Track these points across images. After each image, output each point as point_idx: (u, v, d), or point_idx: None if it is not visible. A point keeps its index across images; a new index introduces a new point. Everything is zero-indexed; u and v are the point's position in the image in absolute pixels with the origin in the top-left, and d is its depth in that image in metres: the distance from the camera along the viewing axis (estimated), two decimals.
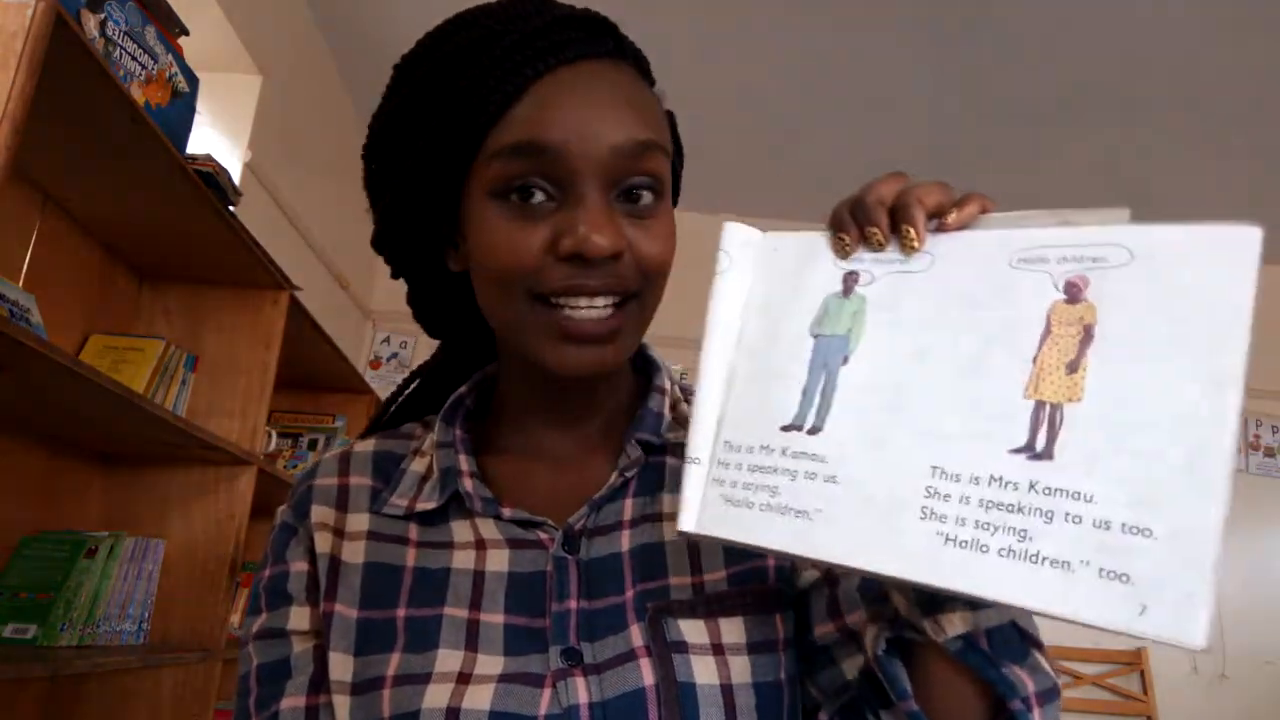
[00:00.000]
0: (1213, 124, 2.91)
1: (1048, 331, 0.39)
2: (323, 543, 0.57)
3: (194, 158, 1.62)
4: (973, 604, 0.41)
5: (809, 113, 3.09)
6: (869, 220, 0.44)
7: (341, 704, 0.53)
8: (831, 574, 0.55)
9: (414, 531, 0.58)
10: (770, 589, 0.55)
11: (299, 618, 0.57)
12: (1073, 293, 0.39)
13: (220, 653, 1.77)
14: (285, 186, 2.64)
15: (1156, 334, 0.37)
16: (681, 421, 0.61)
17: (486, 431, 0.63)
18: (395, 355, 3.72)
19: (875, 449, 0.41)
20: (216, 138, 2.37)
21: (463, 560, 0.56)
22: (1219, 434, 0.35)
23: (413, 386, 0.69)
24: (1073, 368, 0.38)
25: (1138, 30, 2.54)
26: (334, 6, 2.74)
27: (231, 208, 1.72)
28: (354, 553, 0.57)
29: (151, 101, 1.49)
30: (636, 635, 0.52)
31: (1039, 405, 0.38)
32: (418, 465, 0.61)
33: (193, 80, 1.61)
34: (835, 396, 0.43)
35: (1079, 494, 0.36)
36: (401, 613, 0.54)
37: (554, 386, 0.58)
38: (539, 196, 0.51)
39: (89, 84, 1.22)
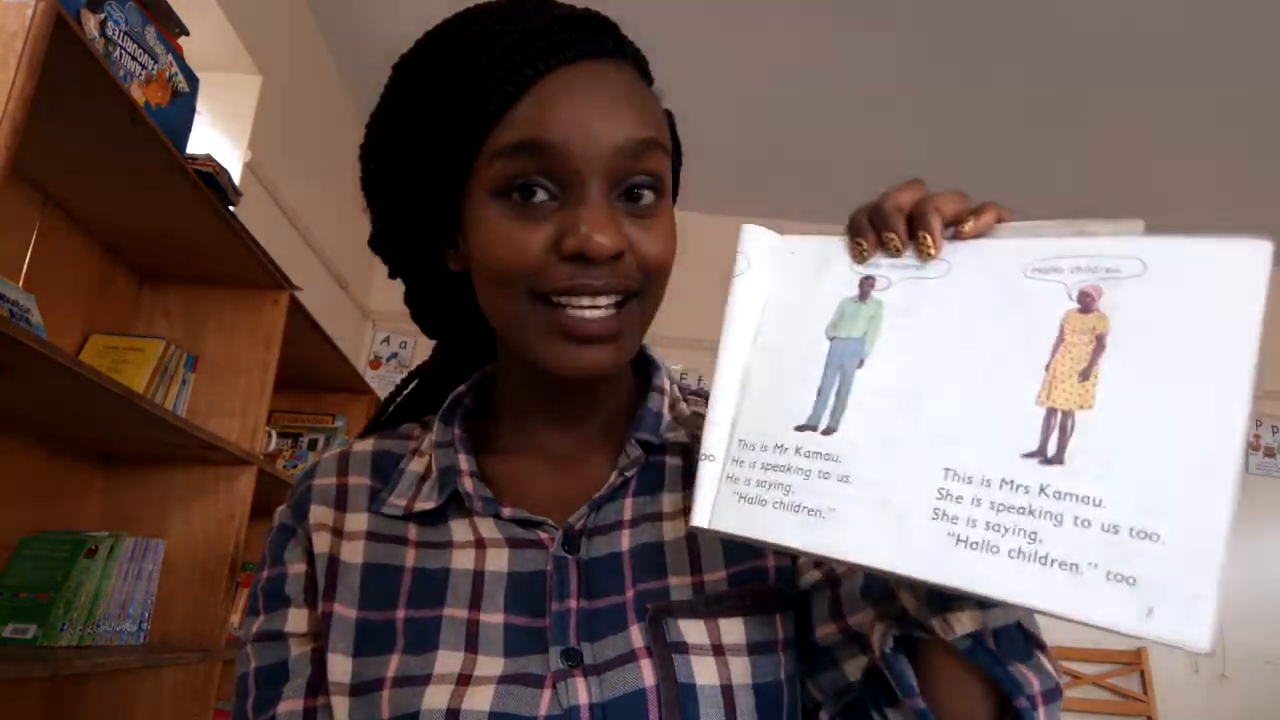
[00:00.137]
0: (1213, 124, 2.91)
1: (1061, 340, 0.40)
2: (321, 543, 0.57)
3: (194, 158, 1.61)
4: (981, 604, 0.42)
5: (809, 112, 3.09)
6: (887, 226, 0.45)
7: (340, 705, 0.52)
8: (834, 575, 0.55)
9: (413, 531, 0.57)
10: (770, 589, 0.55)
11: (297, 620, 0.57)
12: (1086, 302, 0.40)
13: (220, 653, 1.77)
14: (285, 186, 2.64)
15: (1167, 345, 0.37)
16: (681, 421, 0.61)
17: (485, 431, 0.63)
18: (395, 355, 3.72)
19: (889, 450, 0.42)
20: (216, 138, 2.37)
21: (462, 560, 0.56)
22: (1226, 443, 0.35)
23: (411, 387, 0.69)
24: (1085, 376, 0.39)
25: (1138, 30, 2.54)
26: (334, 6, 2.74)
27: (231, 208, 1.72)
28: (353, 552, 0.57)
29: (151, 101, 1.49)
30: (637, 635, 0.52)
31: (1051, 412, 0.39)
32: (416, 465, 0.60)
33: (193, 80, 1.61)
34: (850, 398, 0.44)
35: (1088, 498, 0.37)
36: (401, 614, 0.54)
37: (554, 386, 0.58)
38: (541, 196, 0.51)
39: (89, 84, 1.22)
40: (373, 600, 0.55)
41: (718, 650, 0.52)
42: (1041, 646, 0.47)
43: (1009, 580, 0.37)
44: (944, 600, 0.42)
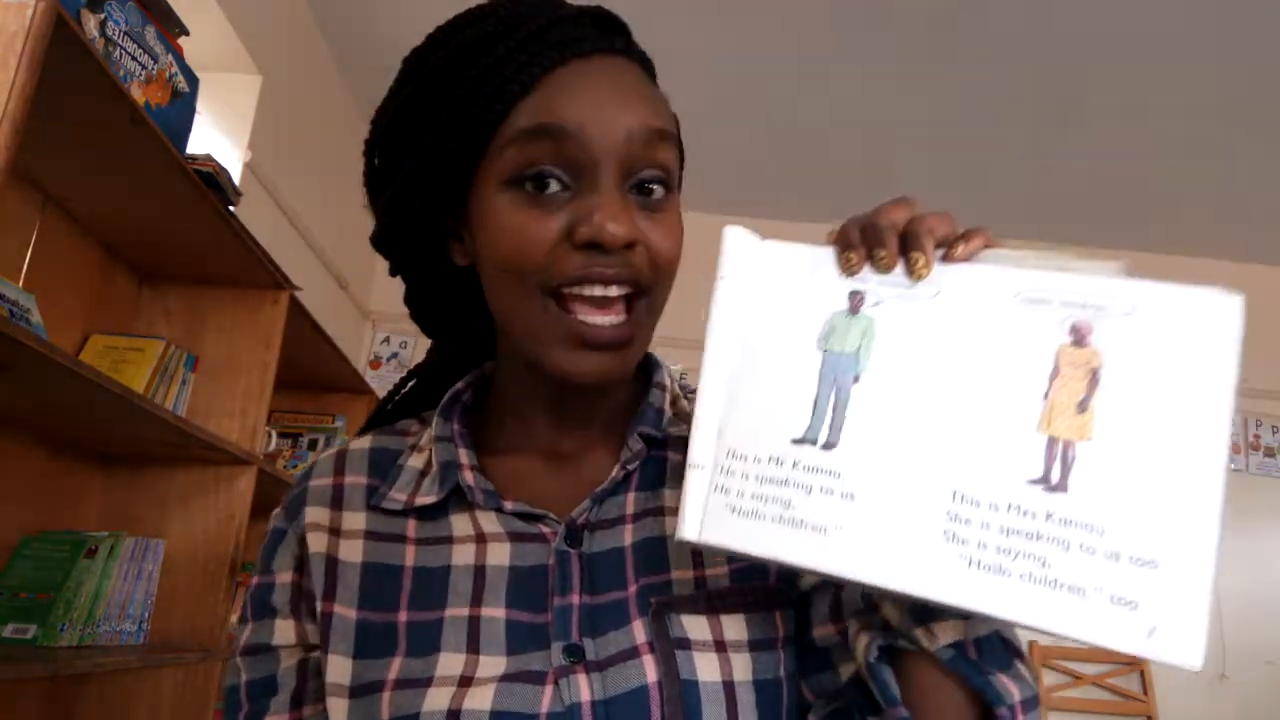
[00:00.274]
0: (1213, 124, 2.91)
1: (1057, 371, 0.42)
2: (316, 543, 0.57)
3: (194, 158, 1.61)
4: (963, 614, 0.43)
5: (809, 113, 3.09)
6: (880, 242, 0.45)
7: (340, 707, 0.52)
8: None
9: (412, 528, 0.57)
10: (771, 587, 0.55)
11: (284, 632, 0.57)
12: (1078, 337, 0.42)
13: (220, 653, 1.77)
14: (285, 186, 2.64)
15: (1156, 386, 0.40)
16: (682, 417, 0.61)
17: (484, 428, 0.63)
18: (395, 355, 3.72)
19: (893, 470, 0.43)
20: (216, 138, 2.37)
21: (463, 555, 0.55)
22: (1210, 480, 0.39)
23: (409, 386, 0.69)
24: (1082, 408, 0.41)
25: (1138, 30, 2.54)
26: (334, 6, 2.74)
27: (231, 208, 1.72)
28: (351, 551, 0.57)
29: (151, 101, 1.49)
30: (639, 631, 0.52)
31: (1052, 441, 0.41)
32: (416, 461, 0.60)
33: (193, 80, 1.61)
34: (848, 414, 0.44)
35: (1091, 526, 0.39)
36: (403, 617, 0.54)
37: (560, 388, 0.58)
38: (554, 186, 0.51)
39: (89, 84, 1.22)
40: (373, 601, 0.55)
41: (720, 646, 0.52)
42: (1021, 655, 0.47)
43: (1021, 602, 0.39)
44: (926, 611, 0.43)
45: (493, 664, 0.51)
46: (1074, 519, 0.39)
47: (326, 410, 2.62)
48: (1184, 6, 2.43)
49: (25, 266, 1.56)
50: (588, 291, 0.51)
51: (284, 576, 0.58)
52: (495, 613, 0.53)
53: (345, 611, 0.55)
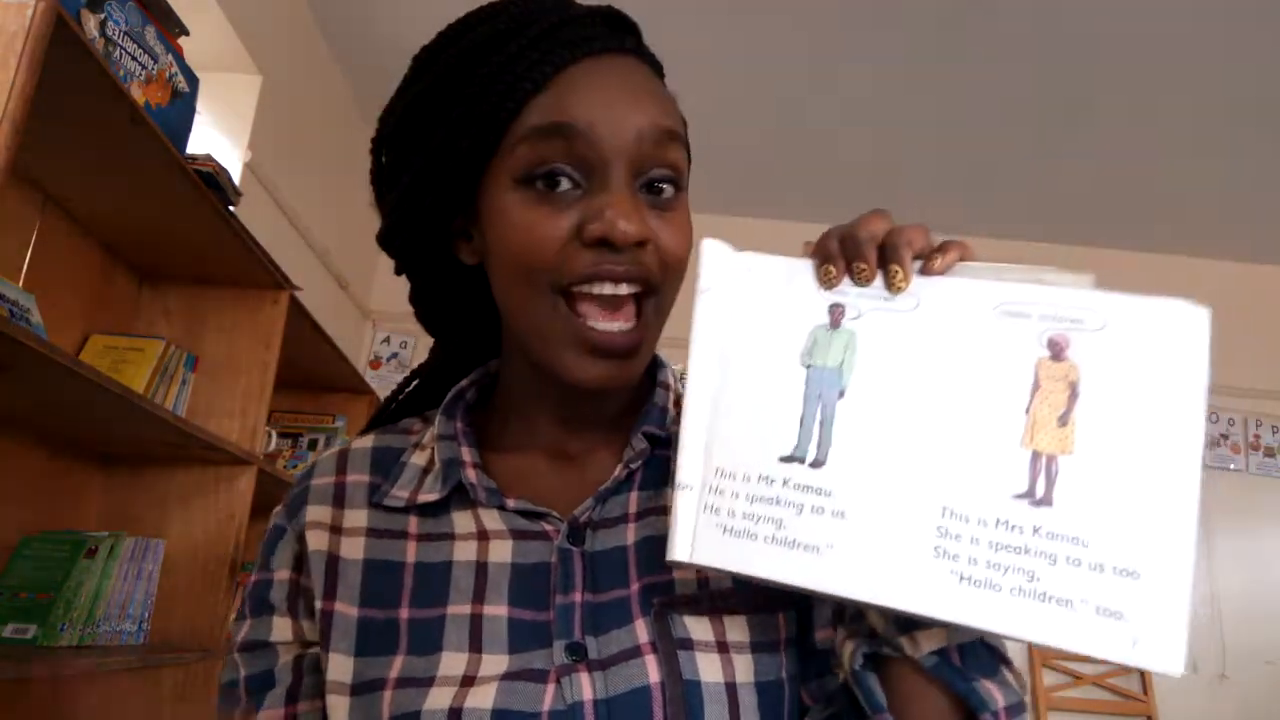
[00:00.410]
0: (1213, 124, 2.91)
1: (1037, 385, 0.43)
2: (317, 541, 0.57)
3: (194, 158, 1.61)
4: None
5: (817, 113, 3.09)
6: (859, 255, 0.45)
7: (340, 705, 0.52)
8: None
9: (414, 525, 0.57)
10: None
11: (280, 629, 0.57)
12: (1056, 350, 0.43)
13: (220, 653, 1.77)
14: (285, 186, 2.64)
15: (1130, 399, 0.41)
16: None
17: (487, 426, 0.63)
18: (395, 355, 3.72)
19: (882, 487, 0.43)
20: (216, 138, 2.37)
21: (464, 552, 0.55)
22: (1184, 488, 0.40)
23: (412, 386, 0.69)
24: (1063, 422, 0.42)
25: (1138, 30, 2.54)
26: (334, 6, 2.74)
27: (231, 208, 1.72)
28: (353, 549, 0.57)
29: (151, 101, 1.49)
30: (642, 631, 0.52)
31: (1036, 455, 0.42)
32: (418, 459, 0.60)
33: (193, 80, 1.61)
34: (834, 430, 0.45)
35: (1076, 539, 0.40)
36: (404, 614, 0.54)
37: (567, 391, 0.58)
38: (564, 184, 0.51)
39: (89, 84, 1.22)
40: (374, 599, 0.55)
41: (722, 647, 0.52)
42: (1006, 662, 0.47)
43: (1012, 616, 0.40)
44: (911, 619, 0.43)
45: (495, 662, 0.51)
46: (1059, 532, 0.40)
47: (326, 410, 2.62)
48: (1193, 6, 2.43)
49: (25, 266, 1.56)
50: (597, 290, 0.51)
51: (282, 574, 0.58)
52: (497, 611, 0.53)
53: (346, 609, 0.55)
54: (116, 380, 1.35)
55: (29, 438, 1.63)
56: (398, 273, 0.63)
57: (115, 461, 1.85)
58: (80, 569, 1.52)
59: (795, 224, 3.51)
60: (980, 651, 0.46)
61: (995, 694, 0.44)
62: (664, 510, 0.57)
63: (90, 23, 1.34)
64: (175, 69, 1.55)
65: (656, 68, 0.58)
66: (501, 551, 0.55)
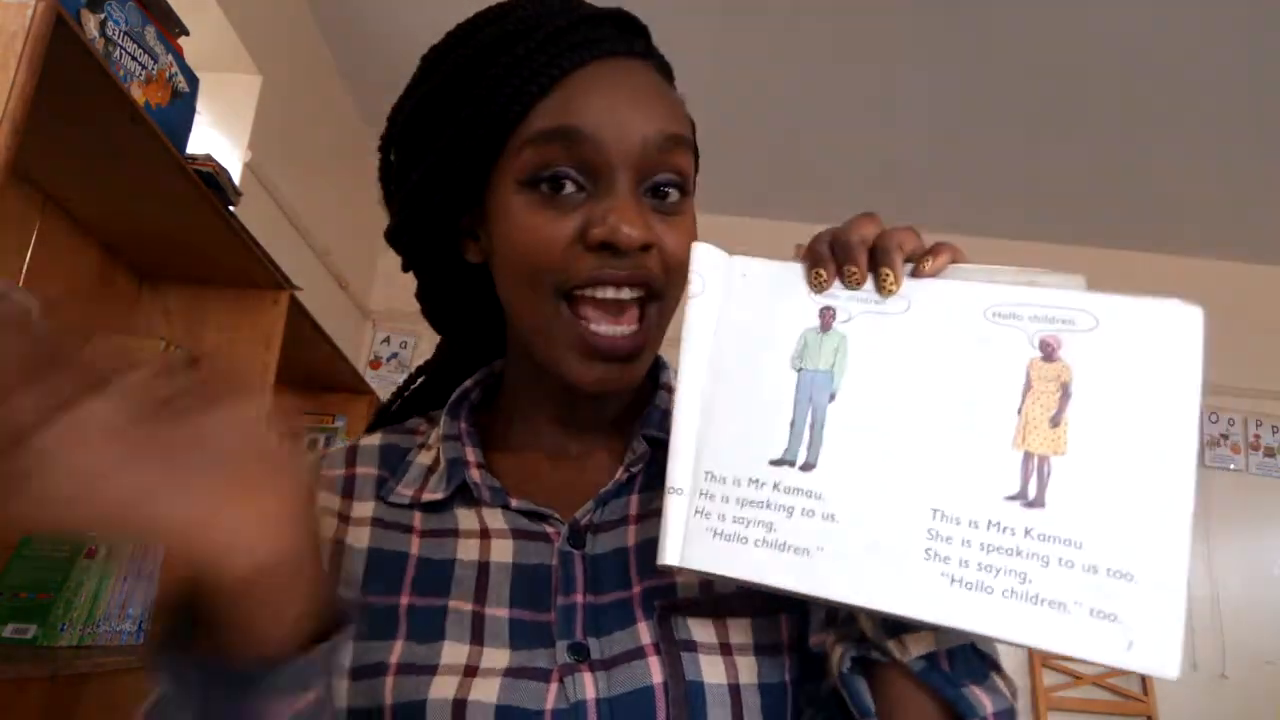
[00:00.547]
0: (1213, 124, 2.91)
1: (1029, 386, 0.42)
2: (325, 527, 0.57)
3: (194, 158, 1.61)
4: (936, 626, 0.43)
5: (809, 113, 3.09)
6: (849, 259, 0.46)
7: (339, 689, 0.52)
8: None
9: (418, 520, 0.58)
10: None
11: None
12: (1048, 351, 0.42)
13: None
14: (285, 186, 2.64)
15: (1123, 399, 0.41)
16: None
17: (491, 426, 0.63)
18: (395, 355, 3.71)
19: (873, 489, 0.43)
20: (216, 138, 2.37)
21: (467, 550, 0.56)
22: (1179, 489, 0.39)
23: (418, 382, 0.70)
24: (1055, 422, 0.41)
25: (1138, 30, 2.54)
26: (334, 6, 2.74)
27: (231, 208, 1.71)
28: (358, 537, 0.57)
29: (151, 101, 1.49)
30: (645, 632, 0.52)
31: (1028, 456, 0.41)
32: (424, 458, 0.61)
33: (193, 80, 1.61)
34: (825, 434, 0.44)
35: (1069, 540, 0.40)
36: (405, 600, 0.54)
37: (569, 393, 0.58)
38: (569, 188, 0.51)
39: (89, 84, 1.22)
40: (376, 585, 0.55)
41: (725, 649, 0.52)
42: (996, 668, 0.47)
43: (1004, 619, 0.39)
44: (901, 623, 0.43)
45: (497, 656, 0.51)
46: (1052, 534, 0.40)
47: (326, 410, 2.62)
48: (1193, 6, 2.43)
49: (25, 266, 1.56)
50: (599, 294, 0.52)
51: None
52: (499, 612, 0.53)
53: (347, 594, 0.55)
54: None
55: None
56: (405, 269, 0.64)
57: None
58: (80, 569, 1.52)
59: (789, 224, 3.51)
60: (970, 657, 0.45)
61: (984, 700, 0.44)
62: None
63: (90, 23, 1.34)
64: (175, 69, 1.55)
65: (666, 70, 0.58)
66: (503, 551, 0.55)
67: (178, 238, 1.73)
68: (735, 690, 0.50)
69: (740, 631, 0.53)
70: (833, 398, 0.45)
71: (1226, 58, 2.61)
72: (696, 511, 0.45)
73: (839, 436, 0.44)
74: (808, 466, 0.44)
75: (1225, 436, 3.56)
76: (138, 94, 1.45)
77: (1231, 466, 3.53)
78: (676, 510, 0.46)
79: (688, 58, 0.59)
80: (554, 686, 0.50)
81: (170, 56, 1.54)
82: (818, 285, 0.46)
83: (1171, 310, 0.41)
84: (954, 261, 0.46)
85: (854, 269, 0.45)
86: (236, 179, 1.98)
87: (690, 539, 0.45)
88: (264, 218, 2.39)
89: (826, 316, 0.46)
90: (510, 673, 0.50)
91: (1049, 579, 0.39)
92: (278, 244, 2.05)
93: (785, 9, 2.59)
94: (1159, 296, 0.42)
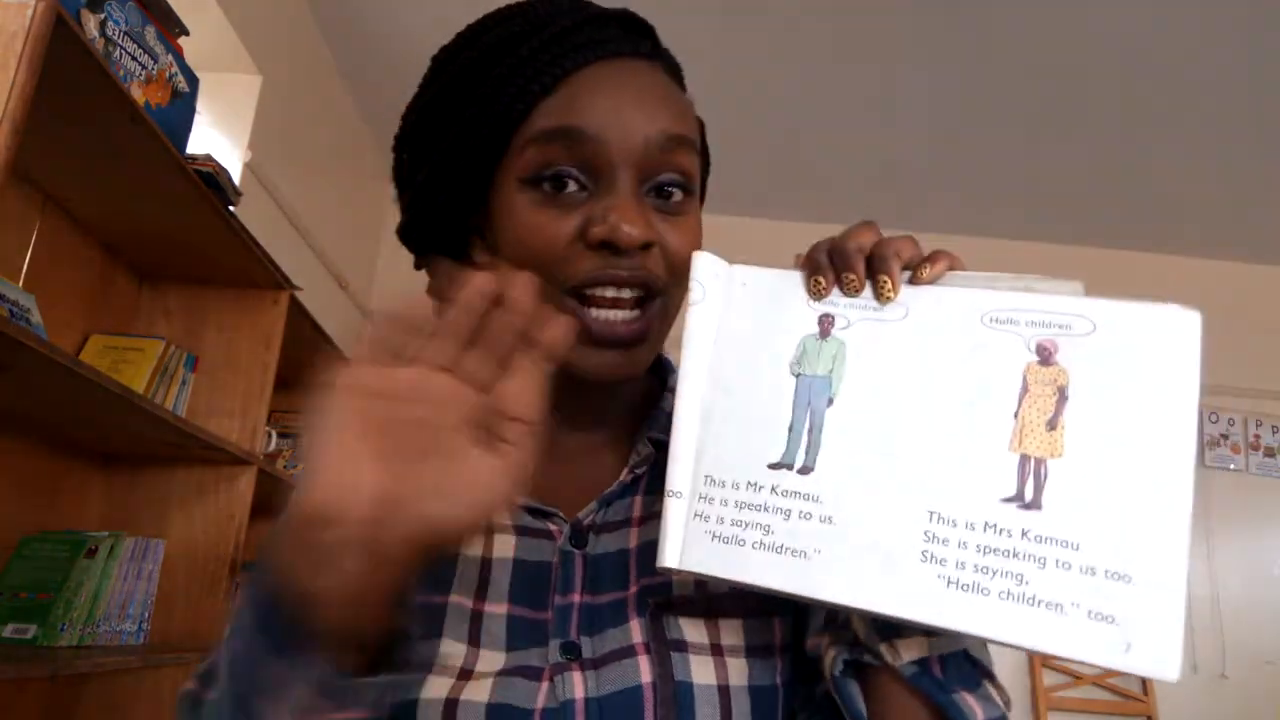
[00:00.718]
0: (1213, 124, 2.91)
1: (1025, 390, 0.42)
2: None
3: (194, 158, 1.61)
4: (929, 631, 0.43)
5: (809, 113, 3.09)
6: (848, 266, 0.46)
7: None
8: None
9: None
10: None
11: None
12: (1044, 355, 0.43)
13: None
14: (285, 186, 2.64)
15: (1121, 403, 0.41)
16: None
17: None
18: None
19: (870, 492, 0.43)
20: (216, 138, 2.37)
21: (470, 545, 0.56)
22: (1177, 491, 0.39)
23: None
24: (1052, 425, 0.42)
25: (1138, 30, 2.54)
26: (334, 6, 2.74)
27: (231, 208, 1.72)
28: None
29: (151, 101, 1.49)
30: (636, 631, 0.52)
31: (1024, 459, 0.41)
32: None
33: (193, 80, 1.61)
34: (823, 437, 0.45)
35: (1066, 542, 0.40)
36: None
37: (572, 385, 0.58)
38: (571, 187, 0.52)
39: (89, 84, 1.22)
40: None
41: (716, 650, 0.52)
42: (990, 676, 0.47)
43: (1000, 621, 0.39)
44: (892, 626, 0.43)
45: (492, 658, 0.51)
46: (1049, 535, 0.40)
47: None
48: (1192, 5, 2.43)
49: (25, 266, 1.56)
50: (600, 293, 0.52)
51: None
52: (498, 609, 0.53)
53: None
54: (116, 380, 1.35)
55: (29, 438, 1.63)
56: (417, 267, 0.64)
57: (115, 461, 1.85)
58: (80, 569, 1.52)
59: (789, 224, 3.52)
60: (962, 663, 0.45)
61: (975, 707, 0.44)
62: None
63: (90, 23, 1.34)
64: (175, 69, 1.55)
65: (675, 71, 0.58)
66: (505, 547, 0.55)
67: (178, 238, 1.73)
68: (725, 691, 0.50)
69: (732, 633, 0.53)
70: (831, 402, 0.45)
71: (1226, 58, 2.61)
72: (695, 514, 0.46)
73: (837, 440, 0.44)
74: (805, 470, 0.44)
75: (1225, 436, 3.56)
76: (138, 94, 1.45)
77: (1231, 466, 3.53)
78: (675, 513, 0.46)
79: (688, 58, 0.59)
80: (544, 686, 0.50)
81: (170, 56, 1.54)
82: (816, 293, 0.47)
83: (1170, 315, 0.41)
84: (952, 269, 0.46)
85: (852, 277, 0.46)
86: (236, 179, 1.98)
87: (689, 542, 0.45)
88: (264, 218, 2.39)
89: (825, 323, 0.46)
90: (503, 673, 0.50)
91: (1046, 580, 0.39)
92: (278, 244, 2.05)
93: (785, 9, 2.59)
94: (1157, 302, 0.42)
